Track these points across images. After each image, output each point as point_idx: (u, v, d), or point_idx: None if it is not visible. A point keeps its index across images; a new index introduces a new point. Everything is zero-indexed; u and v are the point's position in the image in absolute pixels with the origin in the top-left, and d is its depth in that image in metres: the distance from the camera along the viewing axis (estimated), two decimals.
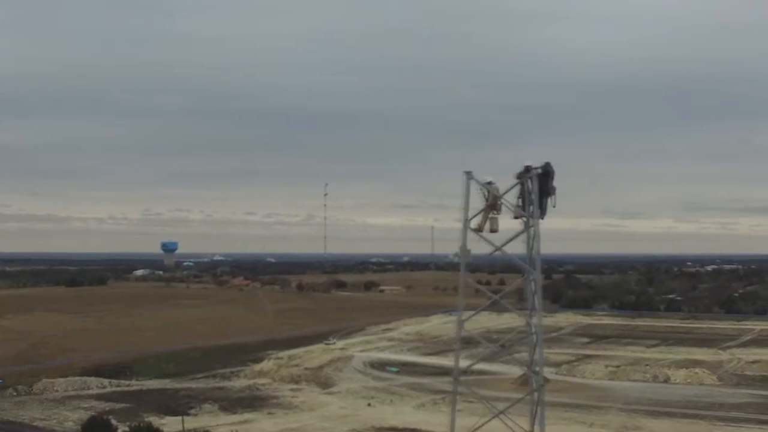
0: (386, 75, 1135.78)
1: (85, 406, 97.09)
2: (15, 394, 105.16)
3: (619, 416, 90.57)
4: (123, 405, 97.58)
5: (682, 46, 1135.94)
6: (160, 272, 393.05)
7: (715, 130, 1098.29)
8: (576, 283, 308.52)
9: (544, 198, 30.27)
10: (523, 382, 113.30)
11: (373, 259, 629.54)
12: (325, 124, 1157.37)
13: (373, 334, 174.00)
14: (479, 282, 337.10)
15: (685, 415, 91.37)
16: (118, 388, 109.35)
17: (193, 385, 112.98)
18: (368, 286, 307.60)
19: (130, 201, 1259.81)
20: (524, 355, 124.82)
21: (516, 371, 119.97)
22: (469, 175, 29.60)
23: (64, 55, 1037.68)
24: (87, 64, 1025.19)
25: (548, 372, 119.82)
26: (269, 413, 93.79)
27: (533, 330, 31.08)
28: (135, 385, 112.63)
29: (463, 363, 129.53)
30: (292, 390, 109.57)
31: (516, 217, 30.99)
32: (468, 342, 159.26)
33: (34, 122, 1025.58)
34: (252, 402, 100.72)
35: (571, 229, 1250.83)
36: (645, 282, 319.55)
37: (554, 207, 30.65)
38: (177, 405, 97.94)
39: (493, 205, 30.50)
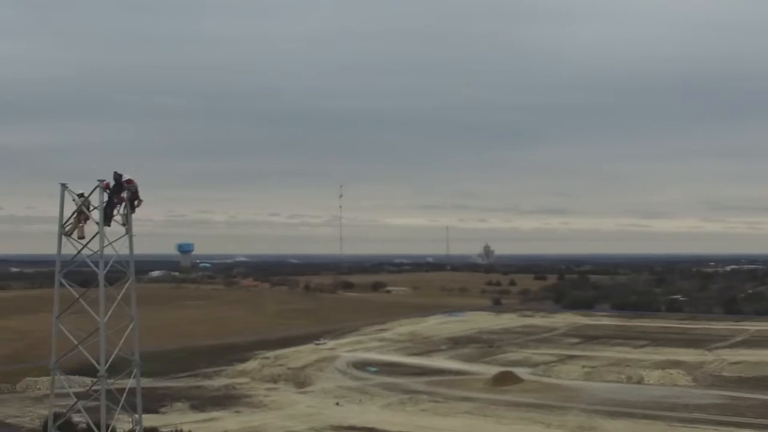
0: (404, 75, 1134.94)
1: (62, 404, 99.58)
2: (5, 392, 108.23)
3: (578, 417, 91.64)
4: (98, 403, 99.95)
5: (704, 43, 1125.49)
6: (176, 273, 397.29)
7: (740, 127, 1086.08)
8: (584, 283, 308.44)
9: (110, 208, 33.09)
10: (497, 381, 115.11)
11: (396, 260, 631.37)
12: (345, 124, 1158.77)
13: (366, 334, 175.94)
14: (490, 283, 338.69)
15: (645, 416, 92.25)
16: (97, 387, 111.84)
17: (172, 384, 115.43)
18: (375, 287, 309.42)
19: (153, 202, 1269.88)
20: (510, 356, 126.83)
21: (494, 371, 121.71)
22: (63, 186, 32.75)
23: (77, 57, 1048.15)
24: (97, 67, 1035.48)
25: (524, 372, 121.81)
26: (237, 412, 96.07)
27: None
28: (114, 383, 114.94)
29: (445, 364, 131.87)
30: (267, 389, 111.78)
31: (123, 225, 33.80)
32: (456, 342, 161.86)
33: (55, 125, 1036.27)
34: (223, 401, 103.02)
35: (595, 229, 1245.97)
36: (654, 282, 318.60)
37: (124, 214, 33.69)
38: (149, 403, 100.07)
39: (81, 213, 33.09)
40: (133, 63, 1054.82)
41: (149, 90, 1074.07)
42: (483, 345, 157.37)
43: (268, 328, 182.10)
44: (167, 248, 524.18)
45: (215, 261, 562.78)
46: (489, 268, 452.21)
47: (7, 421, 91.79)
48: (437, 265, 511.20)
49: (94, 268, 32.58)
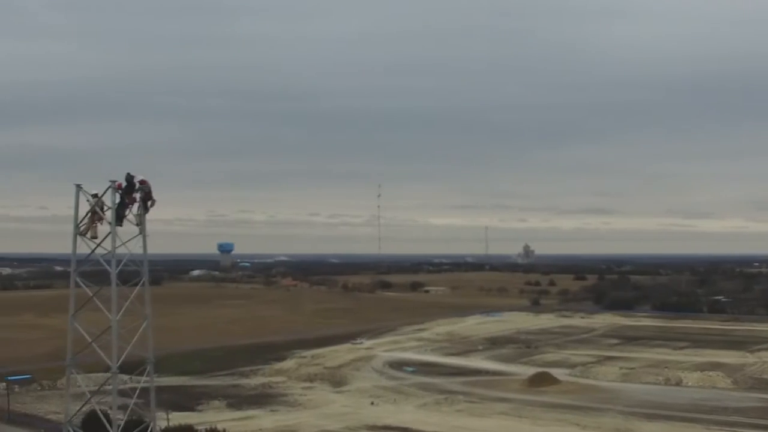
0: (444, 75, 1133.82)
1: (101, 400, 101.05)
2: (39, 388, 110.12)
3: (615, 419, 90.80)
4: (137, 400, 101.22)
5: (751, 41, 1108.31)
6: (216, 273, 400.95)
7: None
8: (625, 284, 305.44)
9: (122, 208, 33.30)
10: (534, 382, 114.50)
11: (435, 260, 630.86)
12: (385, 124, 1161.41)
13: (404, 334, 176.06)
14: (529, 283, 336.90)
15: (683, 419, 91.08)
16: (137, 384, 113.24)
17: (210, 382, 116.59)
18: (414, 286, 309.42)
19: (195, 203, 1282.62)
20: (547, 357, 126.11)
21: (531, 372, 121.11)
22: (78, 187, 33.01)
23: (115, 59, 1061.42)
24: (140, 68, 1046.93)
25: (561, 373, 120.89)
26: (272, 410, 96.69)
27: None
28: (154, 381, 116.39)
29: (482, 364, 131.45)
30: (303, 389, 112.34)
31: (137, 225, 34.05)
32: (494, 343, 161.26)
33: (95, 126, 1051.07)
34: (260, 399, 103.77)
35: (637, 229, 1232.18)
36: (697, 283, 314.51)
37: (138, 214, 33.94)
38: (187, 401, 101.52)
39: (95, 214, 33.33)
40: (173, 64, 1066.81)
41: (191, 91, 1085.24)
42: (520, 345, 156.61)
43: (306, 328, 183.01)
44: (208, 248, 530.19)
45: (255, 260, 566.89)
46: (528, 268, 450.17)
47: (48, 417, 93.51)
48: (476, 265, 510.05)
49: (107, 267, 33.14)
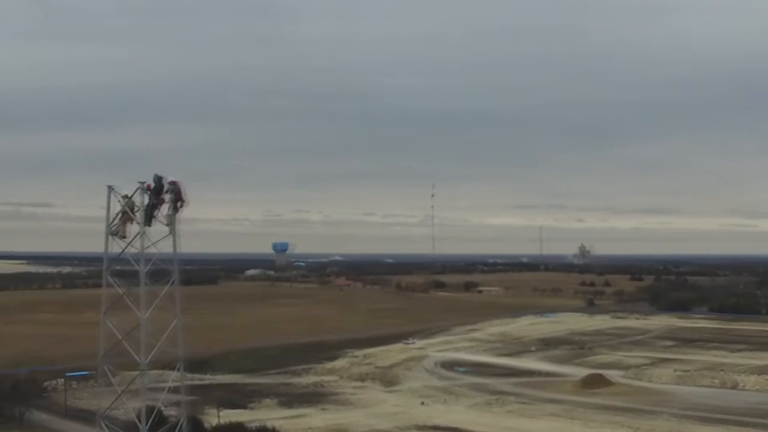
0: (499, 73, 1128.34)
1: (157, 397, 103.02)
2: (97, 385, 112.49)
3: (668, 422, 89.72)
4: (190, 397, 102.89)
5: None
6: (271, 272, 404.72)
7: None
8: (682, 285, 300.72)
9: (151, 209, 33.52)
10: (587, 384, 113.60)
11: (490, 260, 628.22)
12: (438, 124, 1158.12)
13: (456, 334, 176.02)
14: (584, 283, 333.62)
15: (738, 423, 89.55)
16: (192, 382, 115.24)
17: (262, 380, 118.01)
18: (467, 286, 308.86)
19: (251, 202, 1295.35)
20: (601, 358, 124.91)
21: (584, 373, 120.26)
22: (110, 188, 33.40)
23: (178, 61, 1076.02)
24: (201, 70, 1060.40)
25: (615, 375, 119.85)
26: (323, 409, 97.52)
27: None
28: (208, 379, 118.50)
29: (534, 365, 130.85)
30: (354, 388, 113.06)
31: (168, 225, 34.29)
32: (547, 343, 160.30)
33: (154, 127, 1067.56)
34: (311, 398, 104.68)
35: (696, 229, 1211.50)
36: (756, 284, 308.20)
37: (169, 215, 34.23)
38: (240, 399, 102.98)
39: (125, 214, 33.64)
40: (237, 65, 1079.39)
41: (252, 92, 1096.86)
42: (574, 347, 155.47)
43: (359, 327, 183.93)
44: (264, 247, 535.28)
45: (311, 260, 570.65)
46: (584, 269, 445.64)
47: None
48: (531, 266, 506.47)
49: (136, 266, 33.85)
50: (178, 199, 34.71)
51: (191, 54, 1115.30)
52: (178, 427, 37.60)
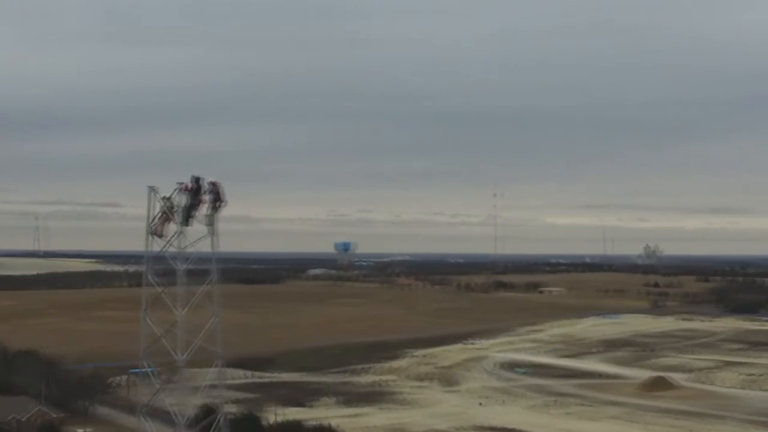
0: (566, 72, 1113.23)
1: (219, 394, 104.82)
2: (155, 382, 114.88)
3: (732, 427, 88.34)
4: (252, 395, 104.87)
5: None
6: (334, 271, 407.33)
7: None
8: (750, 286, 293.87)
9: (189, 209, 33.68)
10: (649, 386, 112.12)
11: (553, 260, 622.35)
12: (508, 123, 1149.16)
13: (518, 335, 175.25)
14: (650, 284, 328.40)
15: None
16: (254, 380, 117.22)
17: (323, 379, 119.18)
18: (531, 287, 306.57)
19: (317, 202, 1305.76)
20: (665, 360, 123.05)
21: (647, 376, 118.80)
22: (151, 189, 33.77)
23: (250, 63, 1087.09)
24: (270, 72, 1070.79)
25: (679, 378, 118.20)
26: (382, 408, 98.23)
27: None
28: (271, 377, 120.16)
29: (596, 367, 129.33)
30: (414, 387, 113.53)
31: (207, 225, 34.45)
32: (610, 345, 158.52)
33: (221, 129, 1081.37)
34: (371, 397, 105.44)
35: (766, 229, 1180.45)
36: None
37: (208, 215, 34.47)
38: (301, 397, 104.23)
39: (165, 214, 33.92)
40: (307, 67, 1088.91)
41: (319, 93, 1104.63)
42: (638, 348, 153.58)
43: (420, 327, 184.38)
44: (329, 247, 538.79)
45: (376, 259, 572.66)
46: (649, 269, 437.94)
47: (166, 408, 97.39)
48: (595, 266, 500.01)
49: (174, 265, 34.58)
50: (217, 200, 35.30)
51: (259, 56, 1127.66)
52: (215, 424, 38.36)
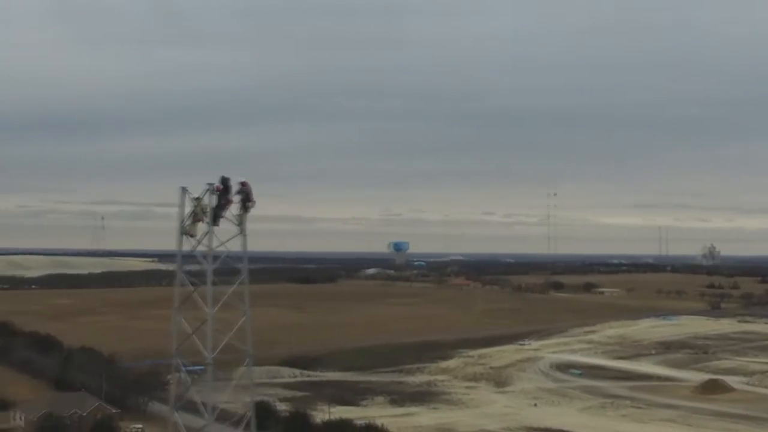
0: (618, 71, 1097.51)
1: (270, 392, 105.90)
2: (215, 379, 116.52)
3: None
4: (303, 393, 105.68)
5: None
6: (390, 271, 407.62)
7: None
8: None
9: (219, 209, 33.85)
10: (705, 389, 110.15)
11: (613, 261, 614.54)
12: (559, 122, 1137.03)
13: (573, 336, 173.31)
14: (710, 285, 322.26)
15: None
16: (305, 378, 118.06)
17: (374, 378, 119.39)
18: (586, 287, 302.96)
19: (369, 202, 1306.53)
20: (723, 363, 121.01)
21: (703, 378, 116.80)
22: (183, 189, 33.92)
23: (292, 63, 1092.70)
24: (318, 72, 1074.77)
25: (736, 381, 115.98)
26: (433, 408, 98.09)
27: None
28: (320, 376, 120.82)
29: (652, 369, 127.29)
30: (466, 387, 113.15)
31: (237, 225, 34.51)
32: (666, 347, 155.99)
33: (274, 128, 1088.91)
34: (422, 397, 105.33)
35: None
36: None
37: (238, 215, 34.60)
38: (352, 396, 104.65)
39: (197, 214, 33.95)
40: (354, 67, 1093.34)
41: (370, 93, 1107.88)
42: (695, 351, 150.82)
43: (474, 327, 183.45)
44: (382, 246, 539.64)
45: (430, 259, 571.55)
46: (711, 270, 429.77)
47: (220, 406, 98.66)
48: (655, 266, 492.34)
49: (203, 264, 34.79)
50: (247, 200, 35.78)
51: (305, 56, 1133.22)
52: (244, 422, 38.38)
